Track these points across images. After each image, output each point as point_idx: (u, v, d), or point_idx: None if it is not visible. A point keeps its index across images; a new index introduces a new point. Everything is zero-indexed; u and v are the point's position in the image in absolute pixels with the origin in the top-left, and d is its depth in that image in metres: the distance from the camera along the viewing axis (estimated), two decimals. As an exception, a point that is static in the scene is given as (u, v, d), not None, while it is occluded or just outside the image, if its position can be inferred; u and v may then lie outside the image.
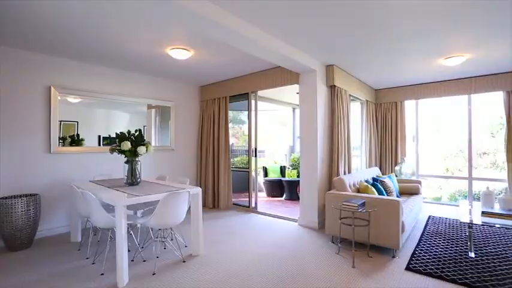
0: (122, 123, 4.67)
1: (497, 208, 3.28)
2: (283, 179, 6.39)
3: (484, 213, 3.09)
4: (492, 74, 4.73)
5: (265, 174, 6.86)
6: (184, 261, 2.91)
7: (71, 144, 4.03)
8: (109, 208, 3.20)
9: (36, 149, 3.68)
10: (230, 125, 5.34)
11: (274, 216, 4.70)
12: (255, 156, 5.07)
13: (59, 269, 2.76)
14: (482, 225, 2.93)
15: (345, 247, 3.22)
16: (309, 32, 3.02)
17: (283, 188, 6.34)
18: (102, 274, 2.62)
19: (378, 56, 3.79)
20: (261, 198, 6.37)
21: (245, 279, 2.52)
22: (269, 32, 2.99)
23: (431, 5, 2.42)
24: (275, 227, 4.07)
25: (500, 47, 3.47)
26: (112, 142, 4.22)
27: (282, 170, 6.97)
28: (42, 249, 3.29)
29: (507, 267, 2.68)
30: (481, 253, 3.02)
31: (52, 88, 3.77)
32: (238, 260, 2.94)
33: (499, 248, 3.17)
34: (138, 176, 3.29)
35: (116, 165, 4.33)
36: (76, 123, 4.13)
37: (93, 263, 2.86)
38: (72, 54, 3.77)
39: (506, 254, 2.99)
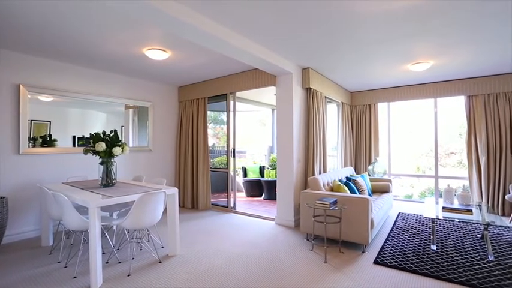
0: (98, 123, 4.57)
1: (456, 204, 3.55)
2: (262, 179, 6.49)
3: (444, 209, 3.33)
4: (455, 80, 5.08)
5: (245, 175, 6.93)
6: (160, 262, 2.92)
7: (43, 145, 3.90)
8: (83, 210, 3.15)
9: (3, 149, 3.53)
10: (211, 125, 5.37)
11: (252, 215, 4.78)
12: (234, 156, 5.13)
13: (28, 274, 2.68)
14: (445, 219, 3.15)
15: (318, 244, 3.36)
16: (284, 36, 3.12)
17: (262, 188, 6.44)
18: (75, 277, 2.58)
19: (351, 60, 3.97)
20: (240, 198, 6.44)
21: (220, 278, 2.58)
22: (244, 34, 3.06)
23: (394, 13, 2.59)
24: (252, 227, 4.15)
25: (461, 55, 3.75)
26: (88, 143, 4.13)
27: (261, 170, 7.08)
28: (10, 254, 3.17)
29: (462, 257, 2.92)
30: (441, 245, 3.26)
31: (21, 86, 3.64)
32: (215, 259, 2.99)
33: (457, 240, 3.43)
34: (113, 177, 3.25)
35: (91, 166, 4.24)
36: (48, 123, 4.00)
37: (65, 267, 2.80)
38: (43, 53, 3.65)
39: (463, 245, 3.25)
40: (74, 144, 4.25)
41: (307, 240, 3.51)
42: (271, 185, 6.18)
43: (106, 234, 3.32)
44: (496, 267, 2.68)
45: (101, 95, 4.49)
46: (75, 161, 4.17)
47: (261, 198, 6.43)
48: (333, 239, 3.33)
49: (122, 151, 3.23)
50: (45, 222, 3.39)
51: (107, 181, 3.19)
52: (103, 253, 3.11)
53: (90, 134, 3.21)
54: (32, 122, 3.81)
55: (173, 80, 5.24)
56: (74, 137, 4.28)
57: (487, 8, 2.47)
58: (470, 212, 3.16)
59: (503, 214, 4.56)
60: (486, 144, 4.75)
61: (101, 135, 3.18)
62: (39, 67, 3.83)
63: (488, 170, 4.71)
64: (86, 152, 3.16)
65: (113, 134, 3.24)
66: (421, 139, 7.82)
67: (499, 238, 3.51)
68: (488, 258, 2.89)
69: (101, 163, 3.20)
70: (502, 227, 2.89)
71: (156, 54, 3.59)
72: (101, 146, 3.06)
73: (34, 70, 3.78)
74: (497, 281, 2.43)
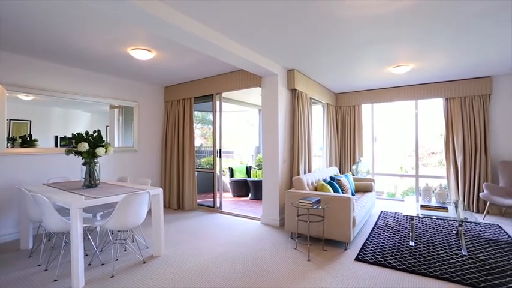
0: (82, 123, 4.48)
1: (434, 202, 3.70)
2: (248, 179, 6.53)
3: (422, 207, 3.47)
4: (434, 83, 5.28)
5: (231, 175, 6.95)
6: (144, 263, 2.91)
7: (22, 145, 3.80)
8: (65, 212, 3.09)
9: (-20, 150, 3.42)
10: (199, 125, 5.36)
11: (238, 215, 4.81)
12: (220, 157, 5.14)
13: (6, 278, 2.61)
14: (424, 217, 3.28)
15: (302, 242, 3.43)
16: (269, 38, 3.17)
17: (249, 188, 6.48)
18: (56, 280, 2.54)
19: (335, 63, 4.07)
20: (227, 198, 6.46)
21: (204, 277, 2.60)
22: (230, 36, 3.09)
23: (375, 19, 2.69)
24: (238, 226, 4.18)
25: (437, 60, 3.91)
26: (70, 143, 4.05)
27: (248, 170, 7.12)
28: (-13, 257, 3.08)
29: (438, 252, 3.06)
30: (419, 242, 3.39)
31: (-1, 85, 3.53)
32: (200, 259, 3.00)
33: (435, 236, 3.58)
34: (96, 178, 3.21)
35: (74, 167, 4.16)
36: (29, 122, 3.90)
37: (45, 270, 2.74)
38: (23, 51, 3.56)
39: (439, 241, 3.40)
40: (56, 145, 4.16)
41: (292, 239, 3.58)
42: (258, 185, 6.22)
43: (89, 235, 3.27)
44: (468, 261, 2.83)
45: (85, 95, 4.41)
46: (57, 162, 4.08)
47: (248, 198, 6.47)
48: (316, 237, 3.41)
49: (106, 151, 3.19)
50: (25, 224, 3.31)
51: (90, 182, 3.15)
52: (85, 255, 3.06)
53: (73, 134, 3.16)
54: (11, 121, 3.70)
55: (159, 80, 5.21)
56: (57, 137, 4.18)
57: (459, 18, 2.60)
58: (446, 209, 3.31)
59: (478, 211, 4.78)
60: (462, 144, 4.96)
61: (84, 135, 3.13)
62: (18, 65, 3.72)
63: (464, 169, 4.93)
64: (68, 152, 3.11)
65: (96, 134, 3.20)
66: (404, 140, 8.07)
67: (473, 234, 3.68)
68: (462, 252, 3.04)
69: (83, 164, 3.15)
70: (475, 223, 3.04)
71: (141, 54, 3.57)
72: (84, 146, 3.02)
73: (13, 68, 3.68)
74: (469, 273, 2.56)
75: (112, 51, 3.58)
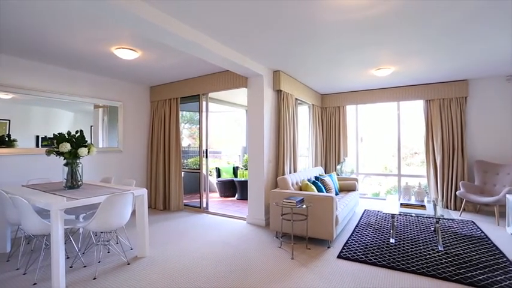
0: (65, 122, 4.38)
1: (413, 200, 3.84)
2: (235, 179, 6.55)
3: (402, 205, 3.60)
4: (415, 85, 5.47)
5: (218, 175, 6.95)
6: (128, 264, 2.89)
7: (0, 145, 3.68)
8: (45, 214, 3.03)
9: (-45, 151, 3.30)
10: (187, 125, 5.33)
11: (224, 215, 4.83)
12: (206, 157, 5.15)
13: (-17, 281, 2.54)
14: (405, 215, 3.39)
15: (287, 241, 3.49)
16: (255, 40, 3.21)
17: (236, 188, 6.50)
18: (35, 284, 2.49)
19: (318, 64, 4.15)
20: (214, 198, 6.46)
21: (189, 277, 2.61)
22: (215, 38, 3.11)
23: (356, 23, 2.78)
24: (224, 226, 4.20)
25: (417, 63, 4.06)
26: (52, 143, 3.95)
27: (235, 170, 7.14)
28: (-38, 262, 2.97)
29: (416, 248, 3.18)
30: (399, 239, 3.52)
31: (-24, 84, 3.42)
32: (185, 259, 3.01)
33: (414, 233, 3.71)
34: (79, 178, 3.16)
35: (56, 168, 4.06)
36: (7, 121, 3.79)
37: (24, 274, 2.68)
38: (1, 48, 3.45)
39: (418, 238, 3.53)
40: (37, 145, 4.05)
41: (277, 238, 3.63)
42: (245, 185, 6.25)
43: (71, 238, 3.21)
44: (444, 256, 2.96)
45: (67, 94, 4.31)
46: (38, 163, 3.98)
47: (235, 198, 6.49)
48: (301, 236, 3.47)
49: (89, 152, 3.15)
50: (2, 227, 3.21)
51: (72, 183, 3.10)
52: (67, 257, 3.02)
53: (54, 134, 3.09)
54: (-12, 121, 3.58)
55: (144, 80, 5.16)
56: (38, 137, 4.08)
57: (434, 23, 2.72)
58: (424, 207, 3.45)
59: (455, 208, 4.98)
60: (441, 145, 5.16)
61: (66, 135, 3.08)
62: (-4, 63, 3.61)
63: (443, 168, 5.13)
64: (48, 153, 3.04)
65: (78, 134, 3.15)
66: (388, 140, 8.30)
67: (449, 230, 3.85)
68: (438, 248, 3.18)
69: (65, 164, 3.09)
70: (451, 220, 3.18)
71: (126, 54, 3.54)
72: (66, 146, 2.96)
73: (-9, 66, 3.57)
74: (443, 268, 2.69)
75: (95, 50, 3.53)
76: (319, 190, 3.99)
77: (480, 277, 2.50)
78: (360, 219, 4.49)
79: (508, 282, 2.42)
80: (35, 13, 2.55)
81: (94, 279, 2.58)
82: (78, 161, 3.12)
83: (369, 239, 3.53)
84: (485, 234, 3.66)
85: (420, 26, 2.80)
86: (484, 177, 4.70)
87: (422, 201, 3.73)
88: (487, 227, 4.03)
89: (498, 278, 2.48)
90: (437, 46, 3.37)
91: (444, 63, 4.06)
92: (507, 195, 3.73)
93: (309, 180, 4.20)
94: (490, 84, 4.94)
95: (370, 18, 2.64)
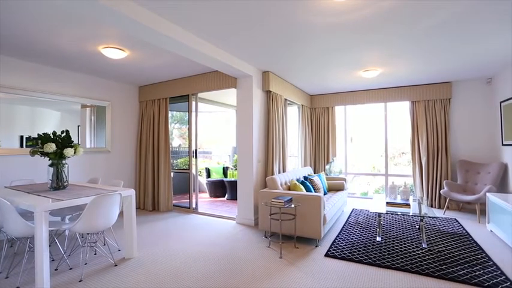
0: (51, 122, 4.29)
1: (399, 199, 3.93)
2: (225, 179, 6.55)
3: (388, 204, 3.69)
4: (401, 86, 5.60)
5: (208, 175, 6.94)
6: (116, 265, 2.86)
7: (-18, 146, 3.58)
8: (29, 216, 2.96)
9: None
10: (177, 125, 5.30)
11: (213, 216, 4.83)
12: (196, 157, 5.14)
13: (-37, 285, 2.47)
14: (391, 213, 3.47)
15: (275, 241, 3.52)
16: (244, 42, 3.23)
17: (226, 189, 6.50)
18: (18, 287, 2.44)
19: (306, 66, 4.20)
20: (204, 199, 6.44)
21: (177, 277, 2.61)
22: (204, 38, 3.12)
23: (342, 25, 2.83)
24: (213, 227, 4.20)
25: (403, 65, 4.17)
26: (38, 143, 3.87)
27: (225, 170, 7.13)
28: None
29: (401, 246, 3.26)
30: (385, 237, 3.60)
31: (-44, 82, 3.32)
32: (173, 260, 3.00)
33: (400, 231, 3.81)
34: (64, 179, 3.10)
35: (41, 168, 3.98)
36: (-11, 121, 3.69)
37: (6, 277, 2.61)
38: (-17, 46, 3.37)
39: (403, 236, 3.62)
40: (21, 145, 3.96)
41: (265, 237, 3.66)
42: (234, 185, 6.26)
43: (56, 240, 3.15)
44: (427, 253, 3.05)
45: (52, 93, 4.23)
46: (22, 164, 3.89)
47: (224, 198, 6.49)
48: (289, 235, 3.51)
49: (75, 152, 3.10)
50: (-15, 230, 3.13)
51: (58, 184, 3.04)
52: (52, 260, 2.96)
53: (38, 134, 3.03)
54: (-31, 121, 3.48)
55: (133, 80, 5.10)
56: (22, 137, 3.98)
57: (419, 27, 2.80)
58: (408, 205, 3.54)
59: (440, 207, 5.13)
60: (426, 145, 5.30)
61: (51, 135, 3.02)
62: (-22, 61, 3.51)
63: (428, 168, 5.27)
64: (33, 153, 2.98)
65: (64, 134, 3.10)
66: (377, 140, 8.45)
67: (433, 228, 3.96)
68: (422, 245, 3.27)
69: (50, 165, 3.04)
70: (435, 217, 3.27)
71: (113, 53, 3.50)
72: (51, 147, 2.91)
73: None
74: (426, 264, 2.77)
75: (81, 49, 3.48)
76: (308, 190, 4.04)
77: (460, 272, 2.59)
78: (348, 218, 4.57)
79: (486, 276, 2.51)
80: (19, 10, 2.50)
81: (80, 281, 2.54)
82: (63, 161, 3.07)
83: (356, 238, 3.59)
84: (466, 232, 3.78)
85: (406, 29, 2.88)
86: (466, 176, 4.85)
87: (408, 200, 3.82)
88: (469, 224, 4.16)
89: (477, 273, 2.57)
90: (422, 49, 3.47)
91: (429, 65, 4.18)
92: (487, 194, 3.87)
93: (297, 180, 4.25)
94: (471, 86, 5.11)
95: (357, 21, 2.70)
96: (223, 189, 6.60)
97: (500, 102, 4.49)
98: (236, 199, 6.12)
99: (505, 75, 4.36)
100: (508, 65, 4.15)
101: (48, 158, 2.99)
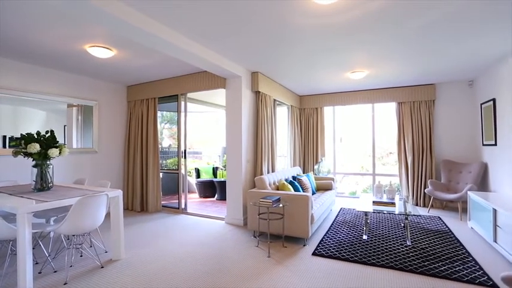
0: (36, 122, 4.19)
1: (385, 198, 4.02)
2: (215, 179, 6.54)
3: (374, 203, 3.77)
4: (388, 88, 5.73)
5: (198, 176, 6.91)
6: (102, 267, 2.82)
7: (-38, 146, 3.47)
8: (12, 218, 2.89)
9: None
10: (167, 125, 5.26)
11: (203, 216, 4.82)
12: (185, 157, 5.12)
13: None
14: (378, 212, 3.54)
15: (264, 240, 3.54)
16: (233, 43, 3.24)
17: (215, 189, 6.49)
18: (1, 290, 2.38)
19: (296, 66, 4.25)
20: (193, 199, 6.41)
21: (165, 278, 2.60)
22: (193, 38, 3.11)
23: (328, 27, 2.89)
24: (202, 227, 4.19)
25: (389, 67, 4.26)
26: (20, 144, 3.77)
27: (214, 171, 7.12)
28: None
29: (386, 244, 3.35)
30: (372, 235, 3.68)
31: None
32: (161, 260, 2.99)
33: (385, 230, 3.90)
34: (49, 180, 3.04)
35: (24, 169, 3.88)
36: (-31, 121, 3.58)
37: (-12, 280, 2.56)
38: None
39: (389, 234, 3.71)
40: (4, 145, 3.85)
41: (254, 237, 3.68)
42: (224, 185, 6.24)
43: (40, 242, 3.09)
44: (411, 250, 3.14)
45: (36, 92, 4.13)
46: (4, 164, 3.79)
47: (214, 198, 6.48)
48: (277, 234, 3.54)
49: (60, 153, 3.04)
50: (-35, 232, 3.03)
51: (42, 185, 2.98)
52: (36, 263, 2.90)
53: (21, 134, 2.96)
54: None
55: (121, 79, 5.04)
56: (5, 137, 3.87)
57: (405, 27, 2.88)
58: (393, 204, 3.63)
59: (424, 205, 5.27)
60: (412, 145, 5.44)
61: (35, 135, 2.96)
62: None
63: (413, 167, 5.40)
64: (16, 154, 2.91)
65: (49, 134, 3.04)
66: (365, 141, 8.60)
67: (418, 226, 4.07)
68: (407, 243, 3.36)
69: (34, 166, 2.97)
70: (419, 216, 3.37)
71: (100, 52, 3.45)
72: (34, 147, 2.85)
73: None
74: (410, 261, 2.85)
75: (67, 48, 3.42)
76: (296, 189, 4.09)
77: (441, 268, 2.68)
78: (336, 217, 4.64)
79: (465, 271, 2.61)
80: (4, 8, 2.44)
81: (65, 284, 2.50)
82: (48, 162, 3.01)
83: (343, 236, 3.66)
84: (449, 229, 3.90)
85: (393, 31, 2.95)
86: (449, 176, 5.00)
87: (393, 199, 3.91)
88: (451, 222, 4.30)
89: (457, 268, 2.67)
90: (408, 51, 3.57)
91: (414, 66, 4.29)
92: (468, 192, 4.01)
93: (286, 180, 4.29)
94: (454, 88, 5.27)
95: (344, 22, 2.75)
96: (213, 189, 6.59)
97: (481, 104, 4.66)
98: (225, 199, 6.14)
99: (486, 77, 4.53)
100: (489, 67, 4.31)
101: (32, 159, 2.93)
